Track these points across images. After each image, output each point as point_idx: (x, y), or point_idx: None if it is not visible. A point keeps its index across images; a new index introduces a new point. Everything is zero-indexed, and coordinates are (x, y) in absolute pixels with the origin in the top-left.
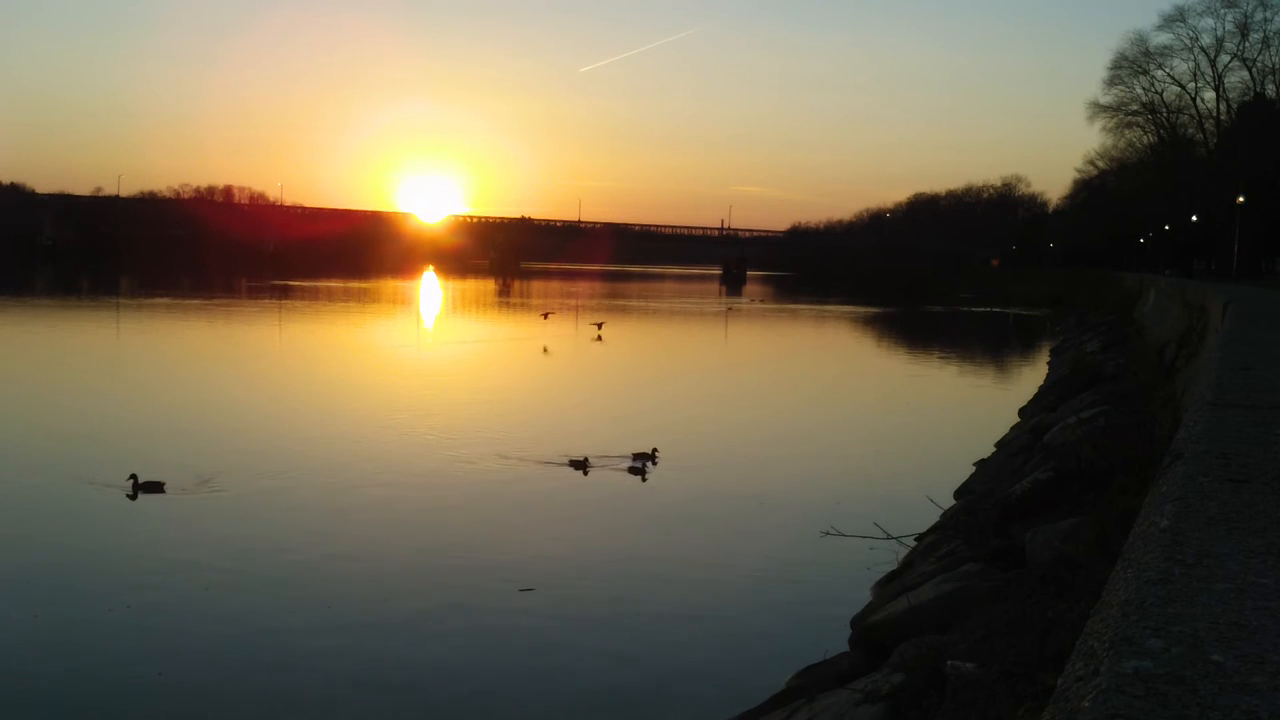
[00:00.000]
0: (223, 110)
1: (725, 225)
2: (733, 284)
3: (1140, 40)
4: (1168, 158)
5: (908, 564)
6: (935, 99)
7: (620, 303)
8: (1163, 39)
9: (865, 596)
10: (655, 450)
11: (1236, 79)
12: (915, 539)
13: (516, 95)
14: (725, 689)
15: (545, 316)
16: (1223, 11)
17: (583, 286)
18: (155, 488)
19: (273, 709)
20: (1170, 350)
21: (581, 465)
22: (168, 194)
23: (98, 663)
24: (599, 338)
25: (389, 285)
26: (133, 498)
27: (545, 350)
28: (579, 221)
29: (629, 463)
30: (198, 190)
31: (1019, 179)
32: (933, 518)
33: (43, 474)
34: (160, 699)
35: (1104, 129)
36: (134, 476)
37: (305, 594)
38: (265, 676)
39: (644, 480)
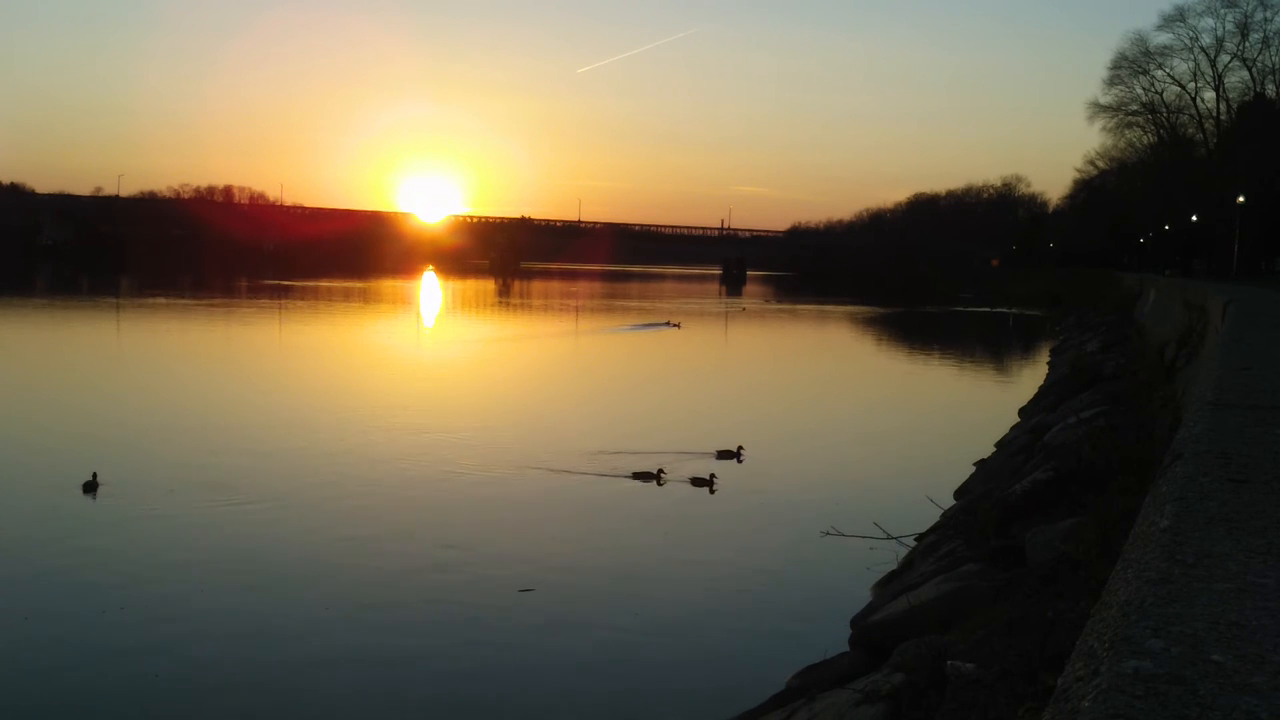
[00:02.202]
0: (223, 110)
1: (725, 225)
2: (733, 284)
3: (1140, 40)
4: (1168, 158)
5: (908, 564)
6: (935, 99)
7: (621, 303)
8: (1163, 39)
9: (865, 596)
10: (741, 448)
11: (1236, 79)
12: (915, 539)
13: (516, 96)
14: (725, 689)
15: (678, 326)
16: (1223, 11)
17: (583, 286)
18: (91, 487)
19: (271, 709)
20: (1170, 350)
21: (653, 477)
22: (168, 194)
23: (93, 664)
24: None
25: (389, 285)
26: (93, 496)
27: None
28: (579, 221)
29: (712, 459)
30: (198, 190)
31: (1019, 179)
32: (933, 518)
33: (34, 474)
34: (157, 700)
35: (1104, 129)
36: (94, 475)
37: (303, 594)
38: (264, 677)
39: (712, 492)
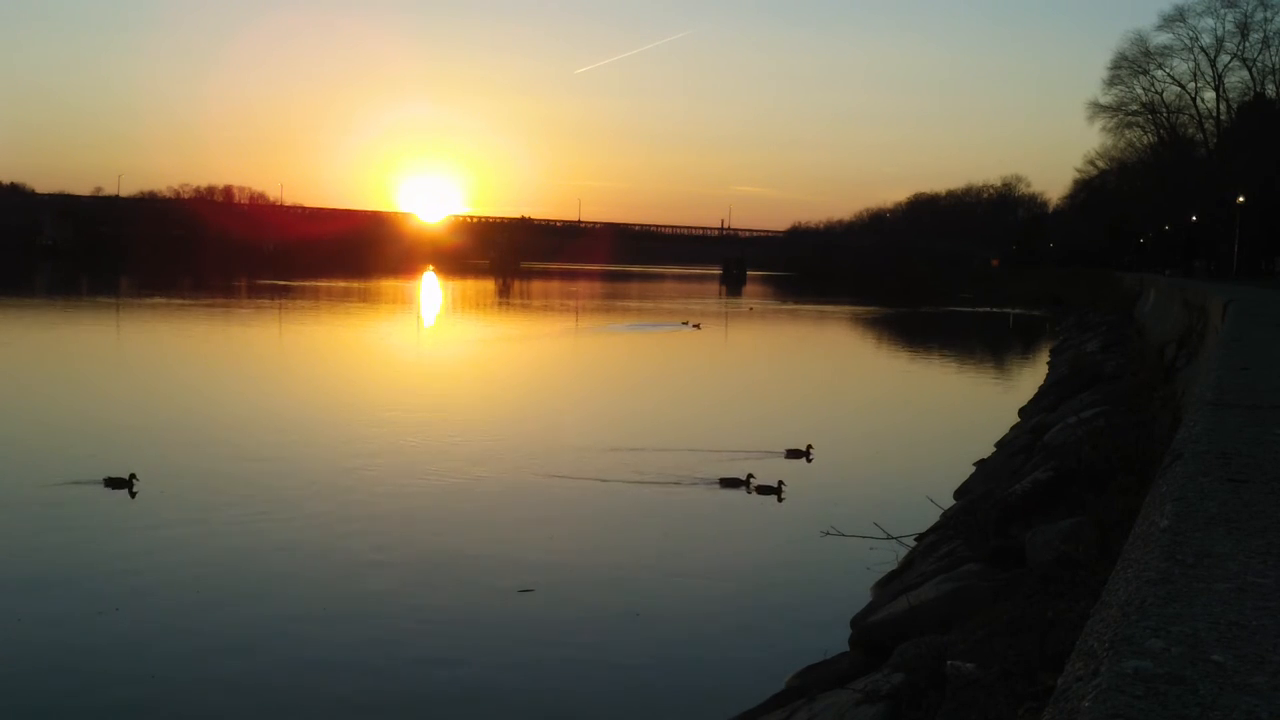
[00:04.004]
0: (223, 110)
1: (725, 225)
2: (733, 284)
3: (1140, 40)
4: (1168, 158)
5: (908, 564)
6: (935, 98)
7: (622, 303)
8: (1163, 39)
9: (865, 596)
10: (810, 447)
11: (1236, 79)
12: (915, 539)
13: (515, 96)
14: (725, 689)
15: (697, 327)
16: (1223, 11)
17: (583, 286)
18: (118, 484)
19: (270, 709)
20: (1170, 350)
21: (742, 483)
22: (168, 194)
23: (88, 664)
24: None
25: (389, 285)
26: (133, 494)
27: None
28: (579, 221)
29: (781, 458)
30: (198, 190)
31: (1019, 179)
32: (933, 518)
33: (28, 473)
34: (154, 700)
35: (1104, 129)
36: (133, 475)
37: (303, 593)
38: (262, 677)
39: (780, 500)
